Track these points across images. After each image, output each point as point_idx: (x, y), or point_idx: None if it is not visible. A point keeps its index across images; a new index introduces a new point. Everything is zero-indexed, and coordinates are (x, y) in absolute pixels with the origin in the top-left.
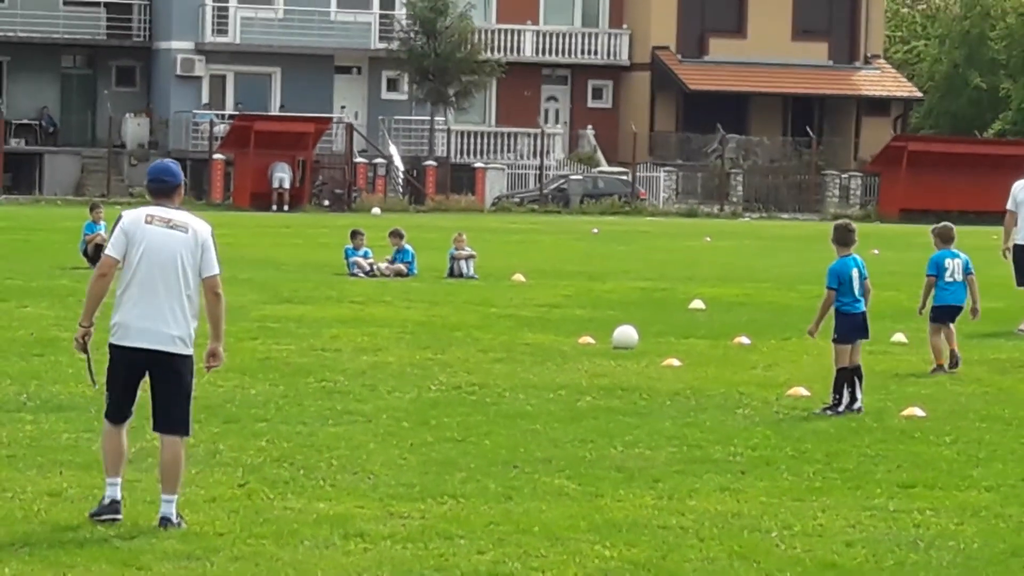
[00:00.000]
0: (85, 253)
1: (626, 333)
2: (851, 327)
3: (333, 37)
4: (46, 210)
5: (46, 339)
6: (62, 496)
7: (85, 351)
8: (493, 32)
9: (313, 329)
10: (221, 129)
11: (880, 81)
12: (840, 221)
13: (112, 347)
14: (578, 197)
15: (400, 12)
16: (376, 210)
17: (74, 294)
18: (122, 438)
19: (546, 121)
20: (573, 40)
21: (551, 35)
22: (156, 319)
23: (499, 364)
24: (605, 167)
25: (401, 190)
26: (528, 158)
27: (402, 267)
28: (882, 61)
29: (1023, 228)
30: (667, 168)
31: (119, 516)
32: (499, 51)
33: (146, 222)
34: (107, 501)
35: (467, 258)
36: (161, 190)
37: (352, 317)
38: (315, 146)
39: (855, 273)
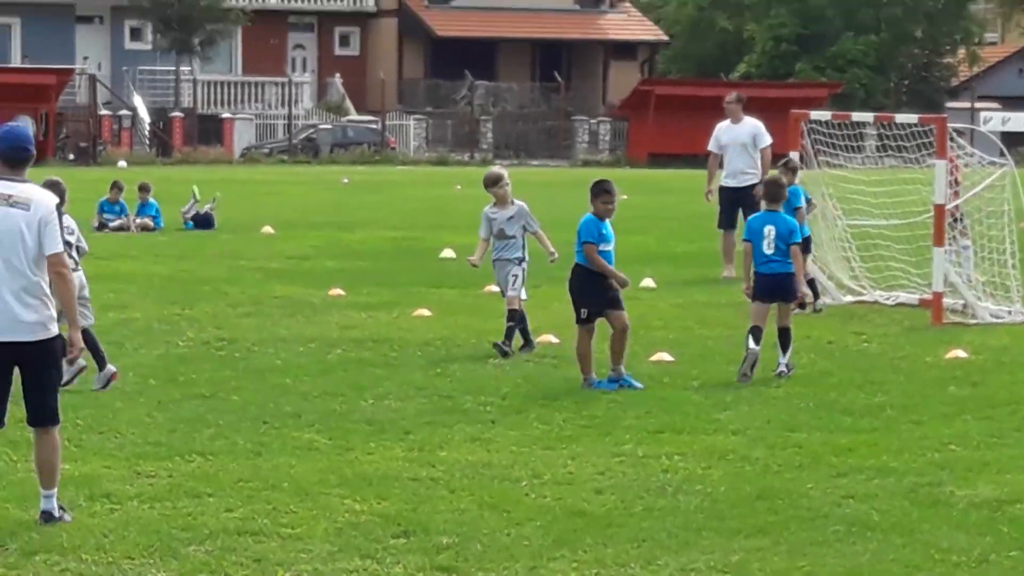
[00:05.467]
0: None
1: None
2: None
3: None
4: None
5: None
6: None
7: None
8: None
9: None
10: None
11: (626, 25)
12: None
13: None
14: (327, 147)
15: None
16: (122, 163)
17: None
18: None
19: (293, 70)
20: None
21: None
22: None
23: (248, 318)
24: (354, 116)
25: (148, 142)
26: (276, 108)
27: (148, 221)
28: (627, 5)
29: (729, 170)
30: (416, 116)
31: None
32: None
33: None
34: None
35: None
36: (22, 159)
37: (97, 273)
38: (58, 98)
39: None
